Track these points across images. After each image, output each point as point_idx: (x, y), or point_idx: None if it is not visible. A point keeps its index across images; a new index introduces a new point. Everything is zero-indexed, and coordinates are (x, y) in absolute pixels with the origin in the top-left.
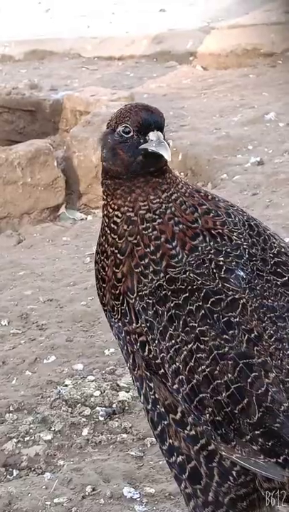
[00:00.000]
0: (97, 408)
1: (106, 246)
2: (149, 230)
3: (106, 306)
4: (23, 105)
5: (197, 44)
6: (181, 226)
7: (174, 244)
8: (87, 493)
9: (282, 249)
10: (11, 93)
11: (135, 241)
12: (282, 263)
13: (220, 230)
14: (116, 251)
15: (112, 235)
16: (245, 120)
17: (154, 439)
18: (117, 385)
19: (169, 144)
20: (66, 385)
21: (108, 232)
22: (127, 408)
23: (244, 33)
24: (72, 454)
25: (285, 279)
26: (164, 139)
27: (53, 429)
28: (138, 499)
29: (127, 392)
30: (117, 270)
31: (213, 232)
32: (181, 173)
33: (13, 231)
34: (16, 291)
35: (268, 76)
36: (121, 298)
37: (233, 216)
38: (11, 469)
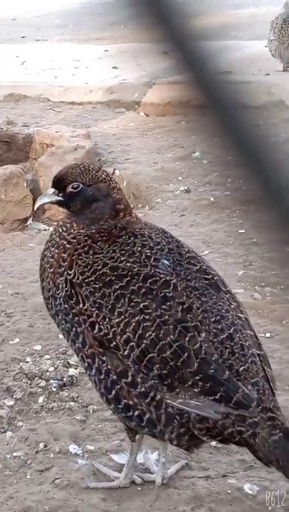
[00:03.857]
0: (51, 381)
1: (58, 239)
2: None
3: (50, 292)
4: (0, 137)
5: (141, 95)
6: (105, 237)
7: (99, 244)
8: (40, 449)
9: (191, 249)
10: None
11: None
12: (193, 257)
13: (142, 232)
14: (65, 242)
15: (65, 234)
16: (176, 157)
17: (95, 407)
18: (68, 363)
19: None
20: (27, 362)
21: (63, 229)
22: (75, 382)
23: (179, 89)
24: (29, 417)
25: (197, 267)
26: (59, 194)
27: (14, 396)
28: (81, 454)
29: (76, 368)
30: (64, 255)
31: (135, 233)
32: (125, 196)
33: None
34: None
35: (196, 123)
36: (65, 274)
37: (148, 226)
38: None
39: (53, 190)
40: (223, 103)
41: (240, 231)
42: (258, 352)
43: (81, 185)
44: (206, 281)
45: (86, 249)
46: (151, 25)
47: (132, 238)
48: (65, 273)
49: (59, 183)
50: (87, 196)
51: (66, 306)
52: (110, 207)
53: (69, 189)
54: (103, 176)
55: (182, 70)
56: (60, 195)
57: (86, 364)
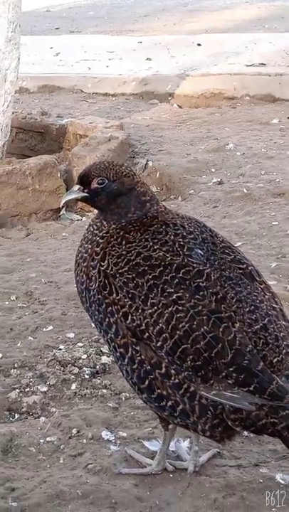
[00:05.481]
0: (84, 368)
1: (91, 236)
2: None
3: (83, 285)
4: (35, 128)
5: (175, 87)
6: (137, 227)
7: (131, 234)
8: (73, 434)
9: (225, 239)
10: (26, 118)
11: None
12: (228, 247)
13: (174, 221)
14: (98, 238)
15: (97, 232)
16: (210, 148)
17: (127, 394)
18: (101, 351)
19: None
20: (60, 349)
21: (94, 228)
22: (107, 369)
23: (212, 80)
24: (62, 403)
25: (232, 257)
26: (84, 190)
27: (48, 383)
28: (113, 441)
29: (108, 356)
30: (97, 249)
31: (167, 222)
32: (158, 188)
33: (23, 226)
34: (23, 274)
35: (229, 115)
36: (98, 266)
37: (180, 216)
38: (13, 413)
39: (78, 186)
40: None
41: (273, 223)
42: None
43: (106, 180)
44: (241, 271)
45: (119, 240)
46: None
47: (163, 227)
48: (98, 265)
49: (84, 179)
50: (112, 191)
51: (99, 296)
52: (135, 199)
53: (94, 185)
54: (127, 170)
55: None
56: (86, 191)
57: (118, 354)
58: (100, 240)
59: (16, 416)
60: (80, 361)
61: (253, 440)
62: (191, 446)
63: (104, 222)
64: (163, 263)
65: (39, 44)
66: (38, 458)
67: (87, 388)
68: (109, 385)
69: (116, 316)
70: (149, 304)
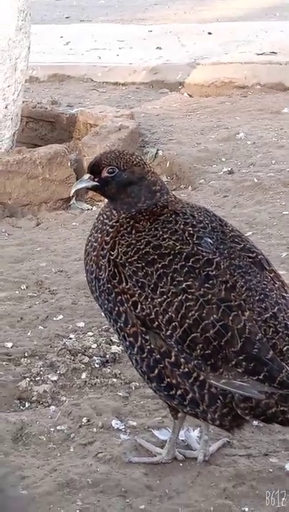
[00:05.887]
0: (94, 357)
1: (100, 225)
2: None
3: (92, 275)
4: (45, 117)
5: (185, 76)
6: (147, 216)
7: (141, 223)
8: (83, 423)
9: (235, 228)
10: (36, 107)
11: (113, 230)
12: (237, 236)
13: (183, 210)
14: (107, 227)
15: (107, 221)
16: (220, 138)
17: (137, 384)
18: (111, 340)
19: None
20: (70, 338)
21: (104, 217)
22: (117, 358)
23: (223, 69)
24: (72, 392)
25: (241, 245)
26: (95, 179)
27: (58, 372)
28: (123, 430)
29: (118, 346)
30: (107, 238)
31: (177, 211)
32: (168, 177)
33: (33, 216)
34: (33, 263)
35: (240, 104)
36: (107, 255)
37: (190, 205)
38: (24, 402)
39: (88, 175)
40: None
41: (284, 213)
42: None
43: (116, 170)
44: (250, 260)
45: (129, 229)
46: None
47: (173, 216)
48: (108, 254)
49: (94, 168)
50: (122, 180)
51: (109, 285)
52: (146, 189)
53: (104, 173)
54: (137, 159)
55: None
56: (96, 180)
57: (128, 343)
58: (110, 229)
59: (27, 405)
60: (90, 350)
61: (262, 430)
62: (201, 436)
63: (114, 212)
64: (172, 252)
65: (49, 33)
66: (48, 446)
67: (97, 377)
68: (119, 374)
69: (125, 305)
70: (158, 292)
